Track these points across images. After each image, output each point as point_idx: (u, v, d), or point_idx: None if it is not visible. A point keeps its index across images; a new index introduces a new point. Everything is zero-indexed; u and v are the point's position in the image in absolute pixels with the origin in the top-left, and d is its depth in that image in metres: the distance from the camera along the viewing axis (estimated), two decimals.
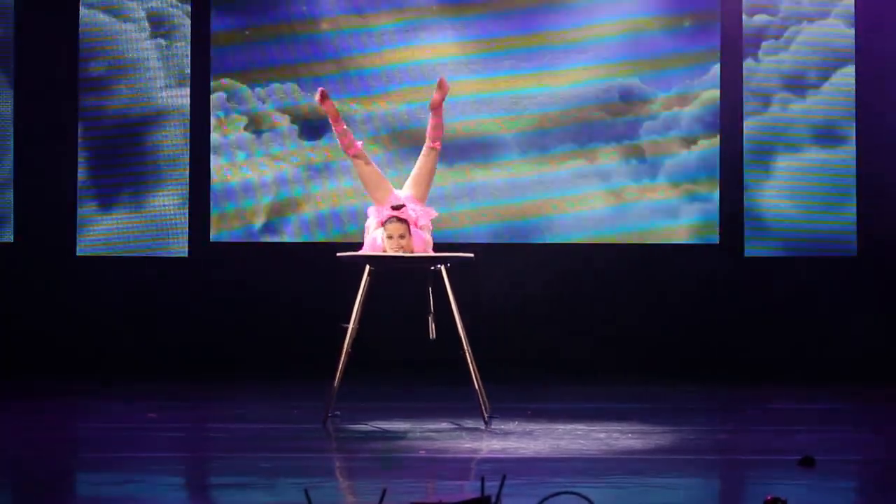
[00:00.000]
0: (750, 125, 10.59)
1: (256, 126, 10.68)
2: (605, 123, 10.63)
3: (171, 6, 10.65)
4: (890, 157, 10.53)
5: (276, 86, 10.67)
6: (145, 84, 10.65)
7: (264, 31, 10.71)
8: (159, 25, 10.66)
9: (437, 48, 10.64)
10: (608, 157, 10.62)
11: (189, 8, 10.63)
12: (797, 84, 10.62)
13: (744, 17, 10.56)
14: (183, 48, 10.65)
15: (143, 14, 10.65)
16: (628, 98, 10.62)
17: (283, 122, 10.67)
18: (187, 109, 10.64)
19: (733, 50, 10.58)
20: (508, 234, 10.63)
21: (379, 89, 10.65)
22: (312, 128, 10.68)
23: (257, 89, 10.67)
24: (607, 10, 10.58)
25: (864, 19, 10.55)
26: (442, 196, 10.25)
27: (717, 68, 10.56)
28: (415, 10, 10.66)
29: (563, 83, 10.60)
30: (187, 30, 10.65)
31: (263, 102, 10.67)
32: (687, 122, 10.61)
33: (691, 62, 10.60)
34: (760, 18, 10.59)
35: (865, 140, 10.54)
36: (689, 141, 10.60)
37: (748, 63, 10.57)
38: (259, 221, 10.65)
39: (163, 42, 10.64)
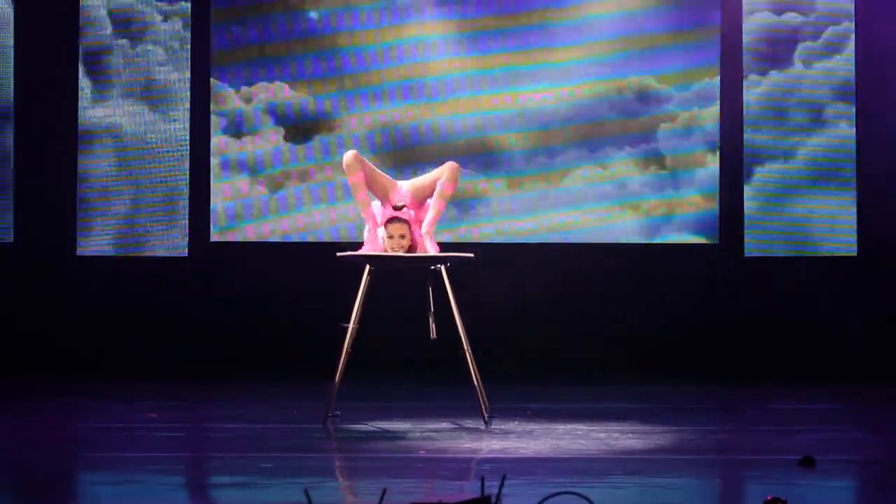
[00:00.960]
0: (750, 126, 10.58)
1: (247, 126, 10.66)
2: (611, 124, 10.62)
3: (169, 8, 10.64)
4: (890, 156, 10.53)
5: (264, 85, 10.66)
6: (145, 87, 10.64)
7: (256, 30, 10.71)
8: (158, 28, 10.65)
9: (437, 49, 10.62)
10: (609, 157, 10.61)
11: (188, 7, 10.63)
12: (798, 85, 10.61)
13: (748, 19, 10.56)
14: (182, 46, 10.64)
15: (141, 14, 10.64)
16: (634, 98, 10.61)
17: (273, 123, 10.65)
18: (188, 109, 10.62)
19: (733, 52, 10.57)
20: (508, 233, 10.62)
21: (376, 91, 10.64)
22: (303, 129, 10.67)
23: (244, 89, 10.66)
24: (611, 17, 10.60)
25: (864, 19, 10.54)
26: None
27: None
28: (412, 9, 10.65)
29: (567, 83, 10.61)
30: (188, 31, 10.63)
31: (248, 103, 10.65)
32: (689, 123, 10.60)
33: (695, 64, 10.60)
34: (768, 21, 10.58)
35: (865, 140, 10.54)
36: (692, 141, 10.59)
37: (749, 66, 10.57)
38: (258, 221, 10.65)
39: (161, 40, 10.64)
